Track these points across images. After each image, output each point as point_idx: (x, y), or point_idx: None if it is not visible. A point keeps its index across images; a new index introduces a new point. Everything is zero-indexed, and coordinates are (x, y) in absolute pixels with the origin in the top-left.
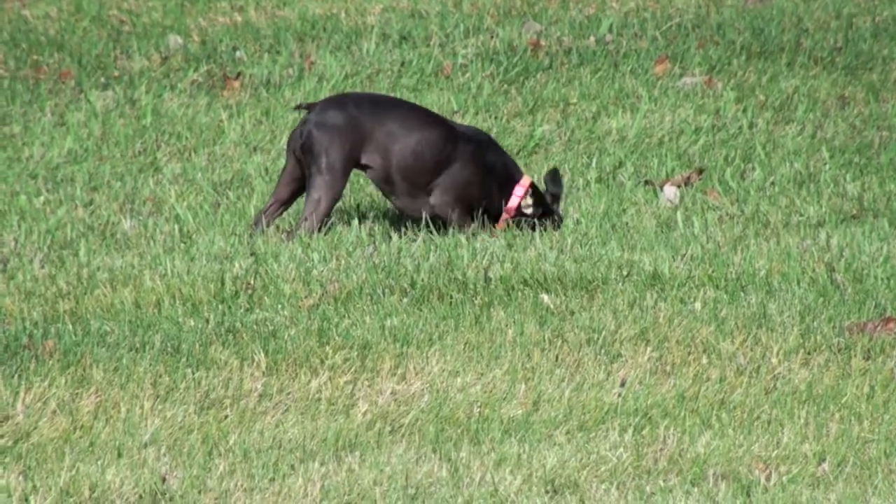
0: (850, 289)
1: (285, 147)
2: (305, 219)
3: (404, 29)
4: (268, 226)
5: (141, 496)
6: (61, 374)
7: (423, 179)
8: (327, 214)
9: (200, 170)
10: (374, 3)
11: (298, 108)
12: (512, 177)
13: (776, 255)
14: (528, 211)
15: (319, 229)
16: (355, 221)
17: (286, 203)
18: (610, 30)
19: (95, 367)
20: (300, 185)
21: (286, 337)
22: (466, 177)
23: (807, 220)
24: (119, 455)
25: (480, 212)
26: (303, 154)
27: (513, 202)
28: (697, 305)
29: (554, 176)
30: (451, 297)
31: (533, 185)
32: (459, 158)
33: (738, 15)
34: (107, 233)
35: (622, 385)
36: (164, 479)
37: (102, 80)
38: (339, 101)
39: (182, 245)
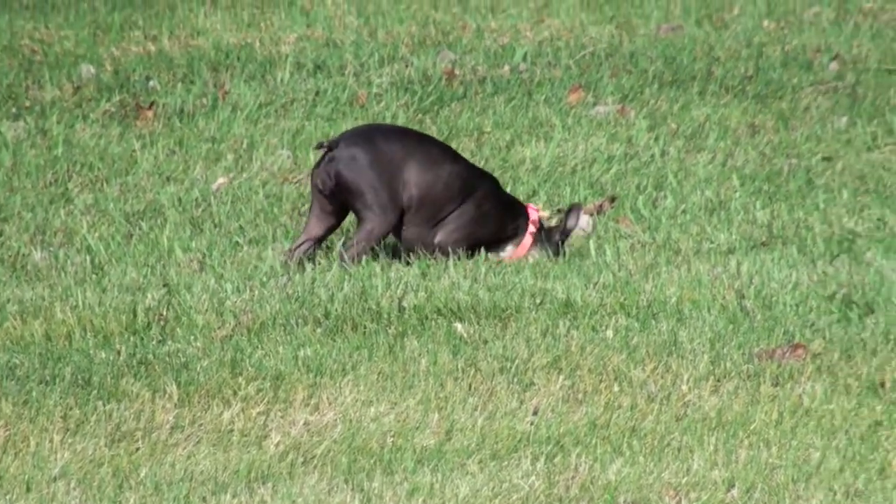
0: (759, 315)
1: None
2: (355, 244)
3: (319, 58)
4: (299, 263)
5: None
6: None
7: (440, 214)
8: (376, 244)
9: (112, 200)
10: (288, 32)
11: (319, 147)
12: (520, 203)
13: (687, 282)
14: (552, 223)
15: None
16: (269, 252)
17: (320, 239)
18: (524, 59)
19: (4, 400)
20: (332, 221)
21: (198, 368)
22: (480, 215)
23: (717, 248)
24: (28, 489)
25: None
26: (339, 194)
27: (532, 216)
28: (609, 333)
29: (571, 210)
30: (365, 327)
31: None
32: (474, 197)
33: (651, 44)
34: (17, 264)
35: (535, 413)
36: None
37: (13, 110)
38: (366, 135)
39: (94, 276)
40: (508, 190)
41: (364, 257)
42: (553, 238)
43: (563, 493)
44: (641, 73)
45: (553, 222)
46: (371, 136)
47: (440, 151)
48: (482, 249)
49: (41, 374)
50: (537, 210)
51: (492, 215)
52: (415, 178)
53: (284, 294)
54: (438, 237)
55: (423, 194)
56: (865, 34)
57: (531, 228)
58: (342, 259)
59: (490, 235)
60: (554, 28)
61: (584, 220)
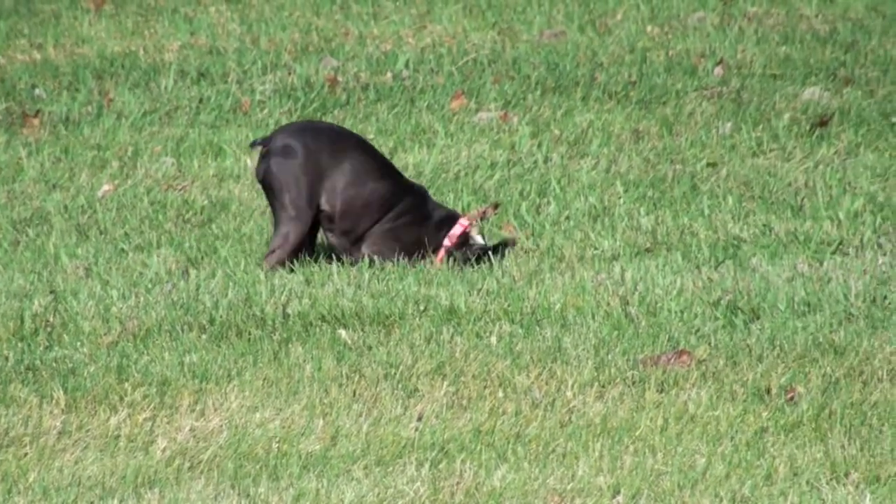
0: (643, 322)
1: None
2: (274, 251)
3: (202, 65)
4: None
5: None
6: None
7: (358, 229)
8: (298, 249)
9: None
10: (171, 40)
11: (254, 144)
12: (453, 216)
13: (571, 288)
14: (479, 239)
15: (288, 263)
16: (155, 258)
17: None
18: (406, 66)
19: None
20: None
21: (85, 374)
22: (398, 227)
23: (601, 254)
24: None
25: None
26: (265, 190)
27: (456, 230)
28: (493, 340)
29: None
30: (250, 334)
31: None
32: (394, 211)
33: (533, 50)
34: None
35: (419, 419)
36: None
37: None
38: (300, 131)
39: None
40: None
41: (287, 264)
42: (466, 253)
43: (447, 499)
44: (524, 80)
45: (480, 240)
46: (304, 132)
47: (367, 166)
48: (408, 258)
49: None
50: (464, 226)
51: (411, 229)
52: (339, 190)
53: (170, 300)
54: (364, 248)
55: (343, 209)
56: (750, 39)
57: (446, 242)
58: (264, 267)
59: (411, 247)
60: (436, 34)
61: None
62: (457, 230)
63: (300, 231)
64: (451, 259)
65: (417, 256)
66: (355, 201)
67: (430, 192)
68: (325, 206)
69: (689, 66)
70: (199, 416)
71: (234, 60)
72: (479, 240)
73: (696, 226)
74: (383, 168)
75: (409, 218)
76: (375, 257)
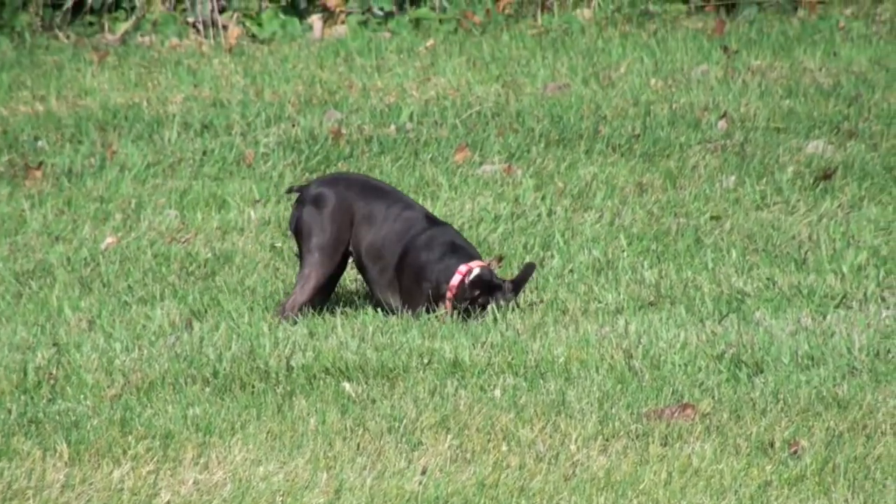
0: (647, 375)
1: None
2: (294, 293)
3: (206, 117)
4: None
5: None
6: None
7: (385, 270)
8: (317, 293)
9: (2, 259)
10: (175, 92)
11: (289, 191)
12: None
13: (574, 341)
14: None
15: (307, 307)
16: (158, 311)
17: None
18: (410, 118)
19: None
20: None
21: (88, 427)
22: (405, 272)
23: (605, 307)
24: None
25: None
26: (296, 236)
27: (455, 280)
28: (497, 393)
29: (526, 269)
30: (254, 386)
31: (482, 269)
32: (410, 252)
33: (537, 103)
34: None
35: (423, 473)
36: None
37: None
38: (331, 181)
39: None
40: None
41: (305, 309)
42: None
43: None
44: (528, 132)
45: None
46: (337, 182)
47: (390, 212)
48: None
49: None
50: (463, 274)
51: (413, 274)
52: (362, 234)
53: (173, 353)
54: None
55: (366, 251)
56: (753, 92)
57: (448, 294)
58: (282, 312)
59: (414, 292)
60: (440, 87)
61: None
62: (455, 280)
63: (322, 274)
64: (454, 310)
65: (424, 304)
66: (374, 244)
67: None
68: (351, 249)
69: (692, 120)
70: (203, 470)
71: (238, 113)
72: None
73: (699, 279)
74: (406, 212)
75: (414, 260)
76: (392, 303)
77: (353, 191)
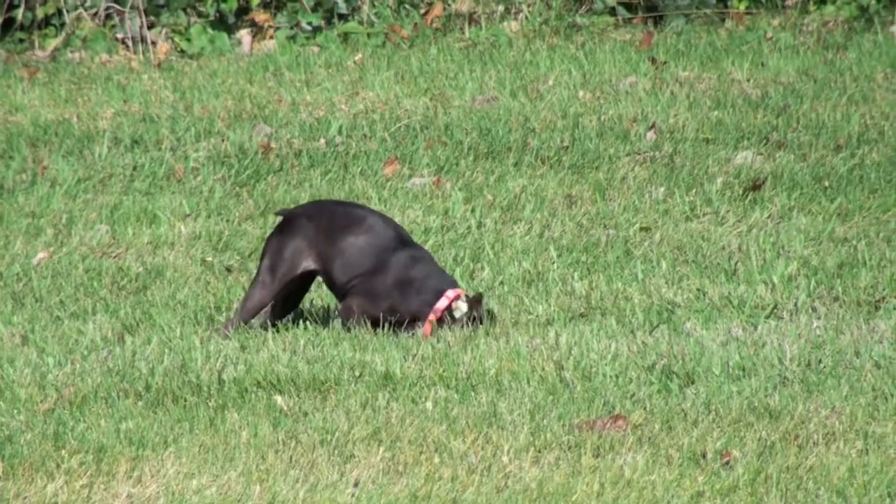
0: (579, 386)
1: None
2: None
3: (136, 133)
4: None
5: None
6: None
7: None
8: (255, 312)
9: None
10: (105, 107)
11: (277, 213)
12: (440, 289)
13: (506, 353)
14: (457, 315)
15: (245, 324)
16: (90, 325)
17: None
18: (339, 132)
19: None
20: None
21: (22, 441)
22: (376, 288)
23: (536, 319)
24: None
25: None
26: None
27: (441, 303)
28: (429, 405)
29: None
30: (186, 400)
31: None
32: (379, 269)
33: (466, 116)
34: None
35: (355, 485)
36: None
37: None
38: (301, 207)
39: None
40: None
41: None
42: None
43: None
44: (457, 145)
45: (459, 315)
46: (309, 206)
47: (358, 232)
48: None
49: None
50: (449, 298)
51: (387, 292)
52: (322, 248)
53: (105, 367)
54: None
55: (328, 264)
56: (682, 103)
57: (431, 316)
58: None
59: (386, 310)
60: (369, 101)
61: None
62: (442, 303)
63: (263, 295)
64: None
65: (398, 324)
66: (340, 256)
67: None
68: (312, 265)
69: (621, 131)
70: (136, 483)
71: (168, 128)
72: (462, 307)
73: (630, 290)
74: (376, 230)
75: (387, 279)
76: (347, 317)
77: (323, 217)
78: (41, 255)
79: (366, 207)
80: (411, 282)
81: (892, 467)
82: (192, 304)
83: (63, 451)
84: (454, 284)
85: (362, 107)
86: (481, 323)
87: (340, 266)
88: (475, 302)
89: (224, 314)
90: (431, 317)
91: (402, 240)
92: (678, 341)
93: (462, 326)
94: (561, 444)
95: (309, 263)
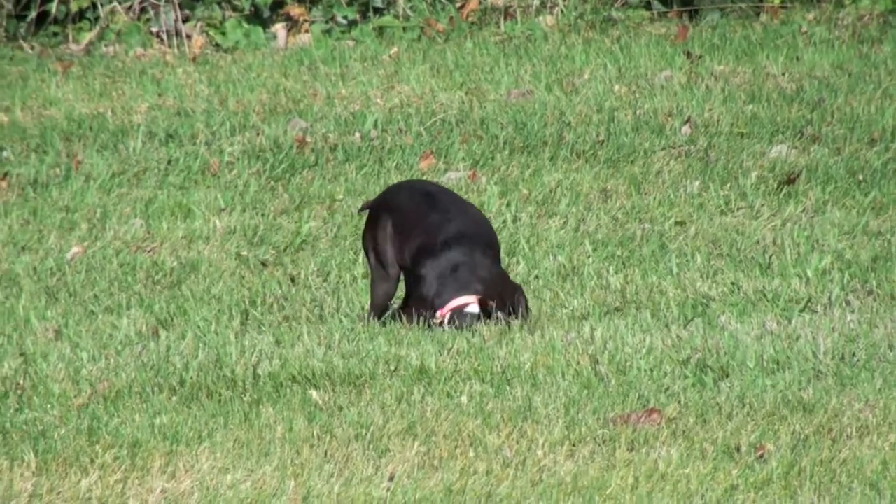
0: (613, 380)
1: None
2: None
3: (171, 127)
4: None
5: None
6: None
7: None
8: (384, 307)
9: None
10: (139, 101)
11: (361, 209)
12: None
13: (541, 347)
14: (473, 308)
15: (378, 319)
16: (124, 320)
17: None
18: (375, 126)
19: None
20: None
21: (56, 436)
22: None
23: (571, 313)
24: None
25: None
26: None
27: (453, 303)
28: (464, 399)
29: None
30: (220, 395)
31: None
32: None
33: (501, 110)
34: None
35: (390, 480)
36: None
37: None
38: (386, 191)
39: None
40: (360, 258)
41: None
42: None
43: None
44: (492, 139)
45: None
46: (389, 192)
47: (431, 218)
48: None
49: None
50: (445, 309)
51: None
52: (404, 238)
53: (139, 362)
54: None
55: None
56: (717, 98)
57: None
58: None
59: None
60: (404, 95)
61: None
62: (454, 303)
63: (385, 289)
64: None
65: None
66: (407, 243)
67: None
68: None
69: (656, 125)
70: (171, 478)
71: (203, 121)
72: (473, 309)
73: (664, 284)
74: (442, 218)
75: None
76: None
77: (399, 199)
78: (75, 249)
79: (444, 192)
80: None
81: None
82: (227, 299)
83: (97, 446)
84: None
85: (398, 101)
86: (516, 317)
87: (407, 252)
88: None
89: (259, 309)
90: (440, 311)
91: (459, 235)
92: (712, 335)
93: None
94: (595, 437)
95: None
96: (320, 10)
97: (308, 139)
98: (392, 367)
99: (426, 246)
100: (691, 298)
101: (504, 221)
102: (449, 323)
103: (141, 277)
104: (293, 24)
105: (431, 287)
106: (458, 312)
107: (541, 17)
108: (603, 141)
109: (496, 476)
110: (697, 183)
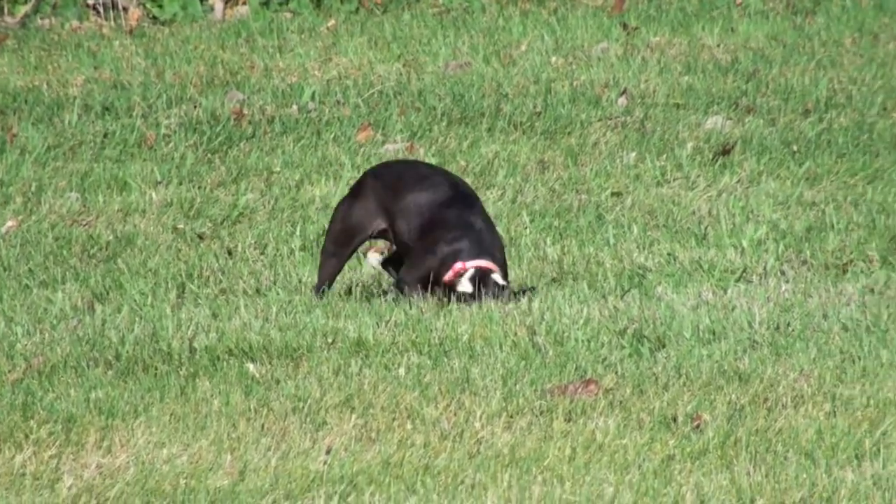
0: (551, 351)
1: None
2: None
3: (107, 100)
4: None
5: None
6: None
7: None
8: (331, 280)
9: None
10: (76, 74)
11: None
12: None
13: (478, 319)
14: (460, 289)
15: (320, 293)
16: (60, 294)
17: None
18: (312, 98)
19: None
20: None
21: None
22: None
23: (508, 285)
24: None
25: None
26: None
27: (448, 275)
28: (401, 371)
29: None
30: (157, 369)
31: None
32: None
33: (439, 81)
34: None
35: (328, 453)
36: None
37: None
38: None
39: None
40: (298, 230)
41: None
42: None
43: None
44: (430, 111)
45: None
46: (374, 169)
47: (420, 189)
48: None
49: None
50: (455, 271)
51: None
52: (392, 206)
53: (75, 336)
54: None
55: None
56: (653, 69)
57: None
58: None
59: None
60: (342, 67)
61: (374, 259)
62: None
63: (333, 264)
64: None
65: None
66: (402, 214)
67: None
68: (383, 224)
69: (593, 97)
70: (106, 453)
71: (139, 94)
72: (467, 286)
73: (601, 255)
74: (436, 188)
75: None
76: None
77: (390, 175)
78: (10, 223)
79: (432, 166)
80: (437, 244)
81: (860, 429)
82: (164, 272)
83: (32, 422)
84: (478, 255)
85: (335, 73)
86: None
87: (402, 224)
88: (483, 277)
89: (196, 282)
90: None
91: (460, 199)
92: (649, 305)
93: (466, 301)
94: (533, 409)
95: (380, 223)
96: None
97: (245, 111)
98: (329, 340)
99: (442, 202)
100: (628, 269)
101: None
102: (470, 280)
103: (76, 251)
104: None
105: (451, 241)
106: (483, 275)
107: None
108: (540, 112)
109: (434, 448)
110: (634, 154)
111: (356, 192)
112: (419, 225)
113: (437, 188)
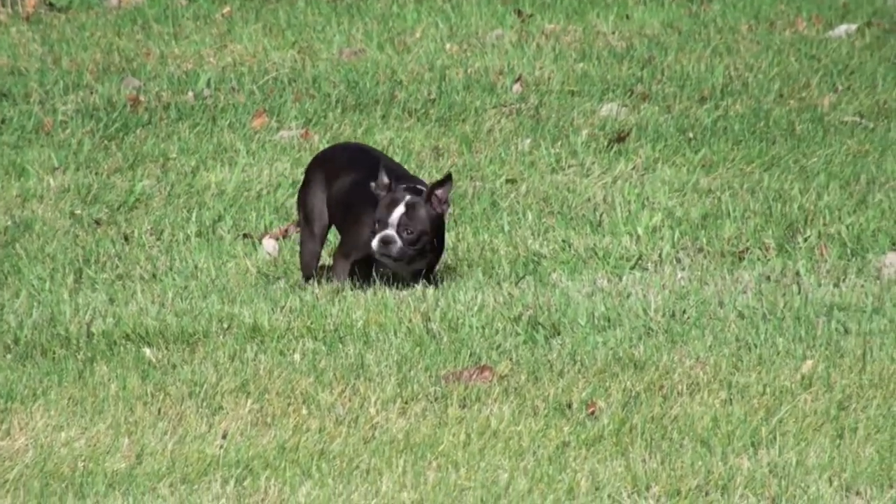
0: (445, 338)
1: None
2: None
3: (3, 86)
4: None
5: None
6: None
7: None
8: (312, 266)
9: None
10: None
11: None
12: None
13: (373, 305)
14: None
15: (307, 280)
16: None
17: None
18: (208, 85)
19: None
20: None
21: None
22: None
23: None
24: None
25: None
26: None
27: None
28: (297, 357)
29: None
30: (55, 353)
31: None
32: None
33: (333, 68)
34: None
35: (224, 437)
36: None
37: None
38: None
39: None
40: (194, 216)
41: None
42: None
43: None
44: (324, 98)
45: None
46: (317, 157)
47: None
48: None
49: None
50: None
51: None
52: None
53: None
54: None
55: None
56: (548, 56)
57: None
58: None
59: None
60: (237, 53)
61: (270, 245)
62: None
63: (310, 248)
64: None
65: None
66: (334, 198)
67: (232, 211)
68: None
69: (487, 84)
70: (5, 436)
71: (36, 81)
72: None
73: (496, 242)
74: (361, 170)
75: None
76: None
77: (333, 160)
78: None
79: (367, 149)
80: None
81: (755, 417)
82: (61, 258)
83: None
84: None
85: (230, 60)
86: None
87: (334, 207)
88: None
89: (93, 267)
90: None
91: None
92: (544, 292)
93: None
94: (427, 395)
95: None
96: None
97: (141, 98)
98: (225, 325)
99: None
100: (523, 256)
101: None
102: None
103: None
104: None
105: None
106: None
107: None
108: (434, 99)
109: (329, 433)
110: (528, 141)
111: (305, 180)
112: (343, 208)
113: (358, 171)
